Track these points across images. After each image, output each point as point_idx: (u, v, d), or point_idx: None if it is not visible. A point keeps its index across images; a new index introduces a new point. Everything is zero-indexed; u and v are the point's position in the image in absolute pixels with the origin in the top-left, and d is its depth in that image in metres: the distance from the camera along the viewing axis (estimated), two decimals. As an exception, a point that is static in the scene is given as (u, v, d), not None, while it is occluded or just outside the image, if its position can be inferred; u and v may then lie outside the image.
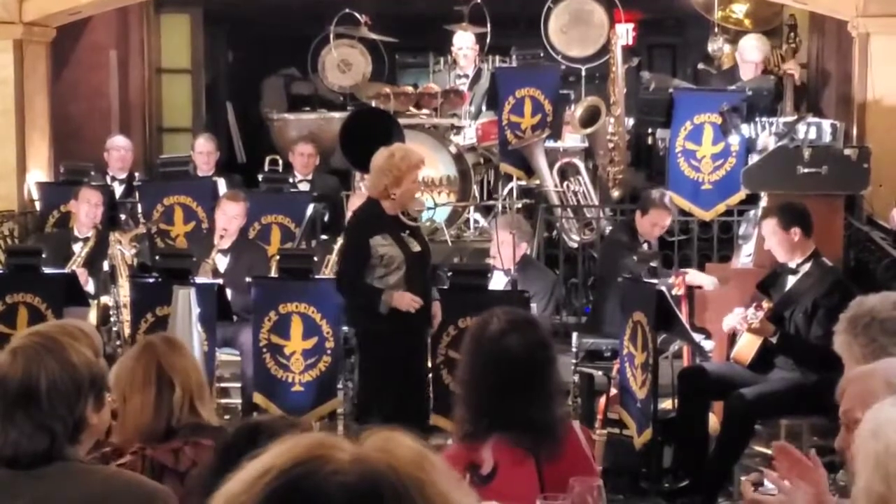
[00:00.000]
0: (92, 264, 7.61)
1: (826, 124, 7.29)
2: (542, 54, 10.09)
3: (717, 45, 10.16)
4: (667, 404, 6.45)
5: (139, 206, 8.67)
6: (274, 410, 6.36)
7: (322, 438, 1.21)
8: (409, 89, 9.98)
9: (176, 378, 3.55)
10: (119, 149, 9.53)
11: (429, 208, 8.55)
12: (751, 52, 9.09)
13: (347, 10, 10.40)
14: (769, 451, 5.94)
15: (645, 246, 7.37)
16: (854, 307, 3.61)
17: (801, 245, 6.20)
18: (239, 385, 7.01)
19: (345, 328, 6.68)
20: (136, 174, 9.69)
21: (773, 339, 6.09)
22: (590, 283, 8.65)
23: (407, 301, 5.81)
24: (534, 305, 6.74)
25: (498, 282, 6.99)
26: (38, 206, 8.94)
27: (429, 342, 6.24)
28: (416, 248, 5.94)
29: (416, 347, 6.09)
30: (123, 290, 7.21)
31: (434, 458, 1.21)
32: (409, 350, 6.02)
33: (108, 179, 9.35)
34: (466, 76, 9.88)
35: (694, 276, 7.06)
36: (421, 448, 1.21)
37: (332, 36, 10.61)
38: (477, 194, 9.42)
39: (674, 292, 6.60)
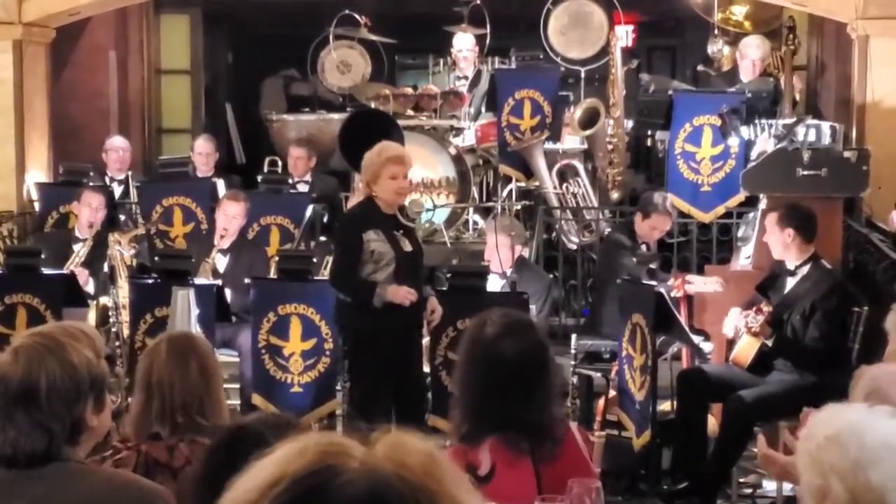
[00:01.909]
0: (91, 265, 7.61)
1: (825, 126, 7.30)
2: (541, 56, 10.10)
3: (716, 47, 10.17)
4: (666, 406, 6.45)
5: (135, 206, 8.67)
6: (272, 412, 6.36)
7: (332, 443, 1.20)
8: (409, 91, 9.98)
9: (155, 391, 3.52)
10: (117, 150, 9.53)
11: (428, 210, 8.56)
12: (751, 50, 9.10)
13: (347, 12, 10.40)
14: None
15: (644, 248, 7.38)
16: None
17: (794, 247, 6.21)
18: (238, 386, 7.00)
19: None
20: (131, 174, 9.64)
21: (769, 342, 6.10)
22: (589, 285, 8.66)
23: (402, 294, 5.77)
24: (532, 307, 6.74)
25: (494, 284, 6.99)
26: (37, 206, 8.93)
27: (422, 342, 6.22)
28: (408, 247, 5.93)
29: (406, 346, 6.06)
30: (122, 290, 7.21)
31: (444, 463, 1.20)
32: (400, 349, 6.00)
33: (107, 180, 9.35)
34: (466, 78, 9.88)
35: (696, 284, 7.02)
36: (431, 452, 1.20)
37: (331, 37, 10.61)
38: (476, 196, 9.42)
39: (673, 294, 6.60)
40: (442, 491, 1.17)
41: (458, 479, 1.21)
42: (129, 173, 9.61)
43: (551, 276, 8.12)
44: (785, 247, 6.22)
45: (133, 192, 9.10)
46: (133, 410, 3.59)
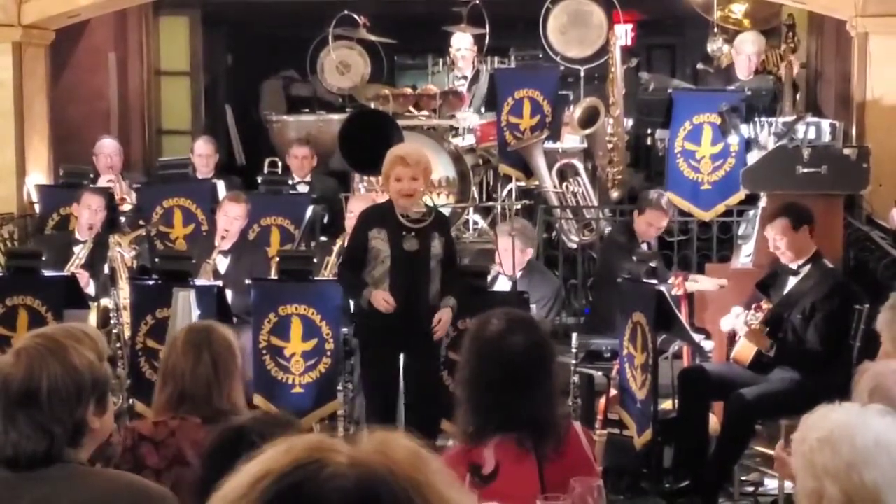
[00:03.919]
0: (92, 267, 7.61)
1: (825, 124, 7.30)
2: (540, 55, 10.10)
3: (716, 46, 10.17)
4: (667, 405, 6.45)
5: (128, 206, 8.65)
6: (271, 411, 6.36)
7: (319, 440, 1.20)
8: (408, 91, 9.98)
9: (170, 379, 3.70)
10: (107, 154, 9.46)
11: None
12: (745, 45, 9.12)
13: (346, 12, 10.40)
14: (769, 451, 5.97)
15: (644, 246, 7.38)
16: None
17: (807, 244, 6.21)
18: (239, 387, 7.00)
19: (344, 329, 6.68)
20: (122, 175, 9.56)
21: (771, 353, 6.10)
22: (589, 284, 8.66)
23: (378, 299, 5.85)
24: (533, 307, 6.74)
25: (503, 287, 7.03)
26: (37, 208, 8.92)
27: (435, 350, 6.17)
28: (413, 247, 5.94)
29: (414, 349, 6.06)
30: (123, 292, 7.20)
31: (431, 459, 1.21)
32: (407, 350, 6.02)
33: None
34: (465, 77, 9.88)
35: (697, 282, 7.04)
36: (417, 449, 1.21)
37: (330, 38, 10.61)
38: (476, 195, 9.42)
39: (673, 293, 6.60)
40: (430, 483, 1.17)
41: (446, 474, 1.21)
42: (110, 179, 9.33)
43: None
44: (802, 246, 6.20)
45: (117, 191, 8.96)
46: (155, 396, 3.77)
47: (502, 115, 8.97)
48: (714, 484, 6.14)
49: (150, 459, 3.52)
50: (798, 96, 9.21)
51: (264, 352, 6.52)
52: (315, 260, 7.16)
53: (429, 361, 6.11)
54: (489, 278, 7.16)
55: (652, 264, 6.44)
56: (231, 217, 7.43)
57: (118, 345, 7.08)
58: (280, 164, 10.01)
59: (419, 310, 5.93)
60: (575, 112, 9.46)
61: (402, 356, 6.06)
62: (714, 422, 6.36)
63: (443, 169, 9.12)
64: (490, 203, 9.31)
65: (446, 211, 9.04)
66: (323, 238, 8.51)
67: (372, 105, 9.67)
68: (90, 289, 7.45)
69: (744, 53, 9.13)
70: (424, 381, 6.07)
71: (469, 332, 3.42)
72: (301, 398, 6.48)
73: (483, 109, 9.77)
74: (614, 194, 9.37)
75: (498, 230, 7.67)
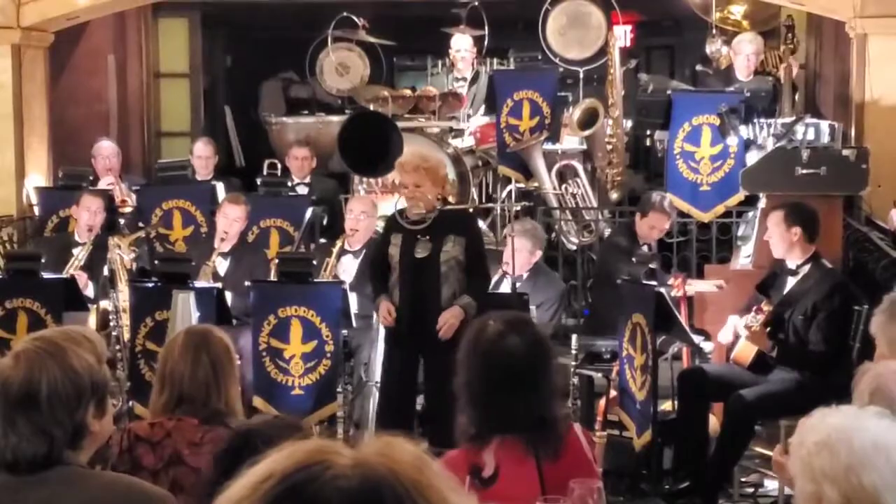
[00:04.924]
0: (91, 269, 7.60)
1: (824, 125, 7.30)
2: (539, 57, 10.09)
3: (715, 47, 10.17)
4: (667, 406, 6.45)
5: (128, 208, 8.65)
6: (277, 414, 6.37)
7: (322, 444, 1.22)
8: (408, 92, 9.98)
9: (168, 382, 3.71)
10: (105, 156, 9.44)
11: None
12: (744, 45, 9.13)
13: (345, 14, 10.40)
14: (769, 453, 5.97)
15: (644, 248, 7.38)
16: None
17: (799, 246, 6.21)
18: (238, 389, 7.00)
19: (344, 331, 6.69)
20: (121, 177, 9.54)
21: (773, 354, 6.11)
22: (589, 285, 8.66)
23: (382, 311, 6.03)
24: (535, 309, 6.74)
25: (506, 289, 7.05)
26: (36, 210, 8.92)
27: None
28: (422, 254, 5.97)
29: (406, 355, 6.12)
30: (123, 294, 7.20)
31: (432, 463, 1.23)
32: (398, 356, 6.13)
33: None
34: (464, 79, 9.88)
35: (696, 285, 7.05)
36: (419, 452, 1.23)
37: (329, 39, 10.61)
38: (476, 197, 9.42)
39: (673, 294, 6.60)
40: (432, 485, 1.19)
41: (447, 478, 1.23)
42: (110, 182, 9.21)
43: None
44: (789, 246, 6.20)
45: (117, 193, 8.94)
46: (151, 399, 3.78)
47: (501, 116, 8.96)
48: (714, 485, 6.14)
49: (147, 460, 3.53)
50: (797, 97, 9.22)
51: (264, 354, 6.52)
52: (314, 262, 7.16)
53: (447, 368, 6.03)
54: (493, 279, 7.16)
55: (651, 265, 6.44)
56: (230, 219, 7.44)
57: (118, 347, 7.08)
58: (279, 165, 9.99)
59: (430, 316, 5.95)
60: (574, 113, 9.45)
61: (421, 363, 6.13)
62: (714, 423, 6.36)
63: (442, 170, 9.12)
64: (489, 205, 9.31)
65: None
66: (322, 240, 8.50)
67: (371, 107, 9.66)
68: (89, 291, 7.45)
69: (742, 54, 9.13)
70: (441, 389, 6.04)
71: (466, 334, 3.43)
72: (300, 400, 6.48)
73: (483, 111, 9.77)
74: (614, 196, 9.37)
75: (508, 231, 7.68)
